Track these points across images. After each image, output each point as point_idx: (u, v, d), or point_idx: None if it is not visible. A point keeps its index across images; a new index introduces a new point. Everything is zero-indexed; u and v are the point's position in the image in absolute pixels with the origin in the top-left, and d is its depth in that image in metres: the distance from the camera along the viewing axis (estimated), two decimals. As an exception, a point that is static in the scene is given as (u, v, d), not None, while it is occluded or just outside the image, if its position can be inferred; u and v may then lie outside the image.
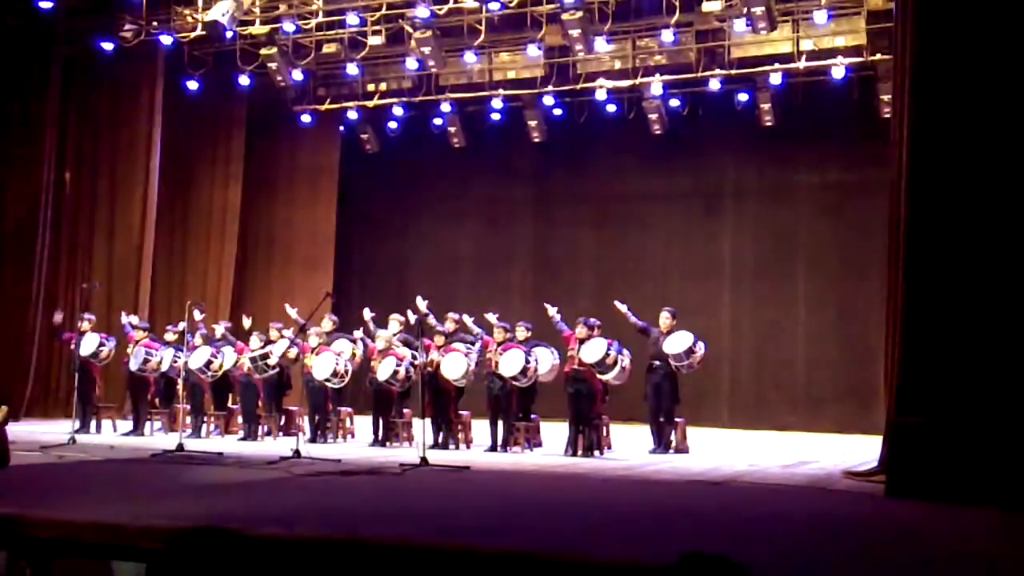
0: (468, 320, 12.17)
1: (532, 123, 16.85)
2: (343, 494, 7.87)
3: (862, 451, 11.77)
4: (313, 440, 12.28)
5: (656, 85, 15.42)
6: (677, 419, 11.70)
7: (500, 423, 11.76)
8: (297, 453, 9.99)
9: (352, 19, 14.63)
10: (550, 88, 15.98)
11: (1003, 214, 7.72)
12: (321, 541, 5.46)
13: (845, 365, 15.90)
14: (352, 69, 15.92)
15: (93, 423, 13.43)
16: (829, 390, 16.08)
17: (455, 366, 11.73)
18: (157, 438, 12.64)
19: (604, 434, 11.60)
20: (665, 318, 11.56)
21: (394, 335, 12.40)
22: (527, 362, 11.33)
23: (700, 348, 11.37)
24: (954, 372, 7.69)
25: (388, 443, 12.10)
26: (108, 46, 15.32)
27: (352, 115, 17.34)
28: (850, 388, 15.60)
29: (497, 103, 16.45)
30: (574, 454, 11.16)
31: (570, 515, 6.88)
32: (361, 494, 7.90)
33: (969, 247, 7.79)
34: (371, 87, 16.97)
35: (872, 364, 13.68)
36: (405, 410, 12.43)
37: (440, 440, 11.91)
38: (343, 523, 6.21)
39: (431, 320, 12.31)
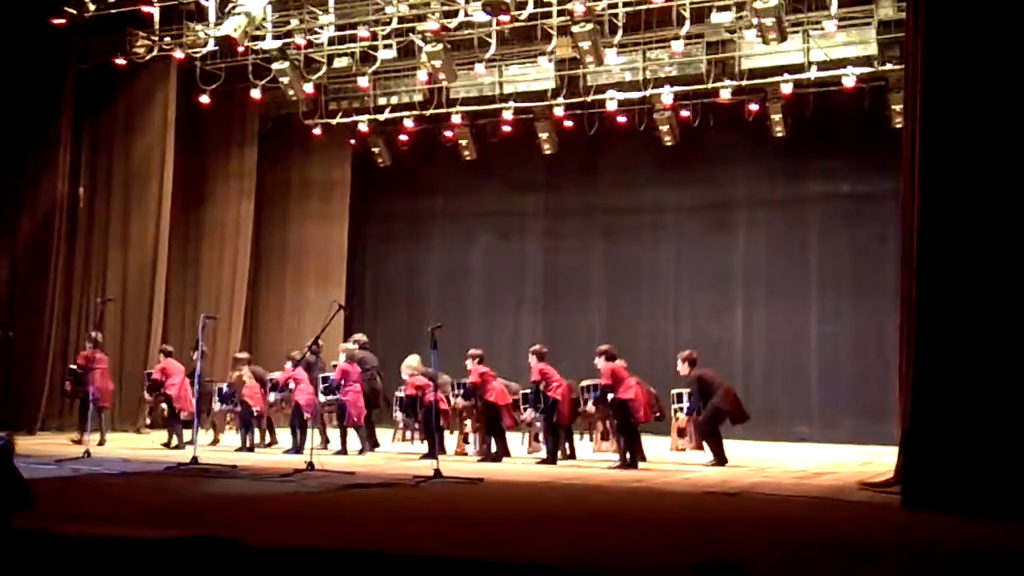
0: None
1: (543, 135, 16.87)
2: (353, 506, 7.88)
3: (877, 462, 11.71)
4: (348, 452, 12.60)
5: (667, 96, 15.43)
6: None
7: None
8: (311, 465, 10.02)
9: (363, 33, 14.67)
10: (561, 100, 16.01)
11: (1017, 223, 7.70)
12: (325, 551, 5.44)
13: (859, 375, 15.80)
14: (363, 83, 15.97)
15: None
16: (843, 400, 15.98)
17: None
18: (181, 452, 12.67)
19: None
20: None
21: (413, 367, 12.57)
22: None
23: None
24: (969, 381, 7.66)
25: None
26: (121, 62, 15.43)
27: (363, 128, 17.39)
28: (864, 398, 15.49)
29: (508, 115, 16.48)
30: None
31: (583, 526, 6.87)
32: (372, 506, 7.90)
33: (983, 256, 7.76)
34: (382, 100, 17.02)
35: (887, 374, 13.58)
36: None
37: (494, 453, 11.94)
38: (348, 534, 6.21)
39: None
